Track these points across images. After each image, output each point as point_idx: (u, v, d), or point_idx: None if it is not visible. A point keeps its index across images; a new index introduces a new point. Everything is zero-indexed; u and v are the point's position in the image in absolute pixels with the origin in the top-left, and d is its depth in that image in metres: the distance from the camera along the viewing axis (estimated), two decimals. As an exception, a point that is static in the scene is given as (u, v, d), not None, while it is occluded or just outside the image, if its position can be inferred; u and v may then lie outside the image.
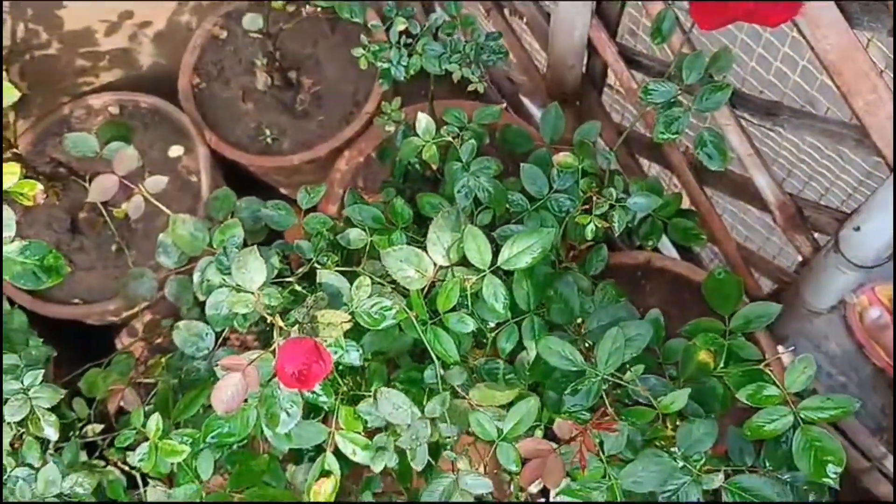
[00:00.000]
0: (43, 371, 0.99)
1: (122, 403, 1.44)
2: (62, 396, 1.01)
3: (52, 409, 1.08)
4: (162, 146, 1.90)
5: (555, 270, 1.16)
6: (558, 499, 0.94)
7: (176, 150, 1.90)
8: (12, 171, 0.86)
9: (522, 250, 0.97)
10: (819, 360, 1.82)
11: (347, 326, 1.02)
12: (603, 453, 0.90)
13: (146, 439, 1.11)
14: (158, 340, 1.85)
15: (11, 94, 0.82)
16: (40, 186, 0.88)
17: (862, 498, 1.78)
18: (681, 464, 0.94)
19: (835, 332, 1.79)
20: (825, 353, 1.88)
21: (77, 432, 1.30)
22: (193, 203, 1.84)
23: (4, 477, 0.98)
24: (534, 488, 1.29)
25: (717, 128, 1.24)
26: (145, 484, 1.42)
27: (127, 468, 1.37)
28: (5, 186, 0.85)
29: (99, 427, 1.40)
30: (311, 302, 1.01)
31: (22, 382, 0.97)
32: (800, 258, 1.51)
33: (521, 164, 1.19)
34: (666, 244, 1.87)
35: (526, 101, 1.90)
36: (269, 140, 1.91)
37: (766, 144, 1.50)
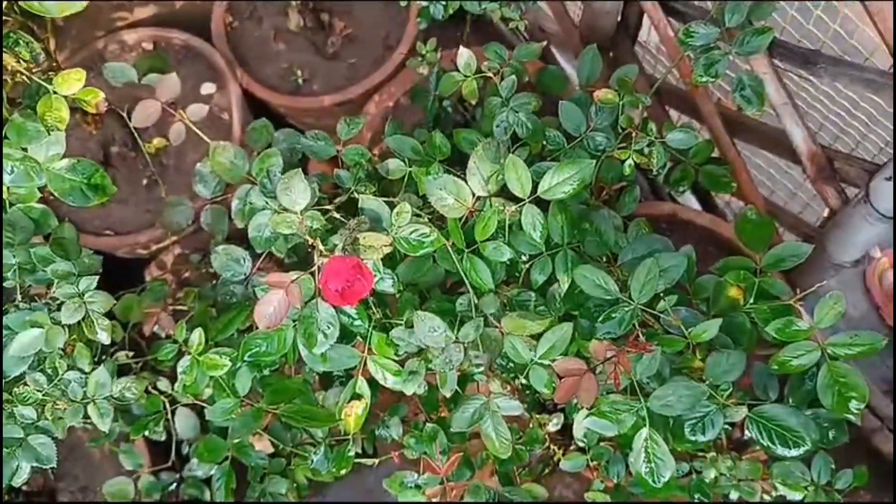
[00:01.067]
0: (97, 278, 1.02)
1: (156, 328, 1.48)
2: (115, 303, 1.04)
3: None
4: (194, 83, 1.91)
5: (588, 207, 1.18)
6: (586, 423, 0.97)
7: (208, 88, 1.92)
8: (78, 77, 0.88)
9: (563, 180, 0.99)
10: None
11: (388, 250, 1.04)
12: (635, 376, 0.93)
13: (181, 356, 1.14)
14: (186, 274, 1.89)
15: (79, 6, 0.83)
16: (102, 95, 0.90)
17: (872, 457, 1.81)
18: (708, 393, 0.97)
19: (852, 295, 1.81)
20: (842, 316, 1.89)
21: (109, 357, 1.34)
22: (225, 140, 1.86)
23: (57, 379, 1.02)
24: (552, 427, 1.33)
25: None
26: (174, 409, 1.47)
27: (157, 393, 1.41)
28: (70, 92, 0.87)
29: (130, 353, 1.44)
30: (354, 224, 1.04)
31: (77, 287, 1.01)
32: (825, 213, 1.53)
33: (560, 101, 1.20)
34: (689, 199, 1.88)
35: (557, 53, 1.90)
36: (299, 81, 1.92)
37: (798, 97, 1.51)
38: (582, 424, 0.99)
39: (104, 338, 1.02)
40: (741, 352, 0.98)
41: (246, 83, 1.89)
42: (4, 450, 0.96)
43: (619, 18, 1.58)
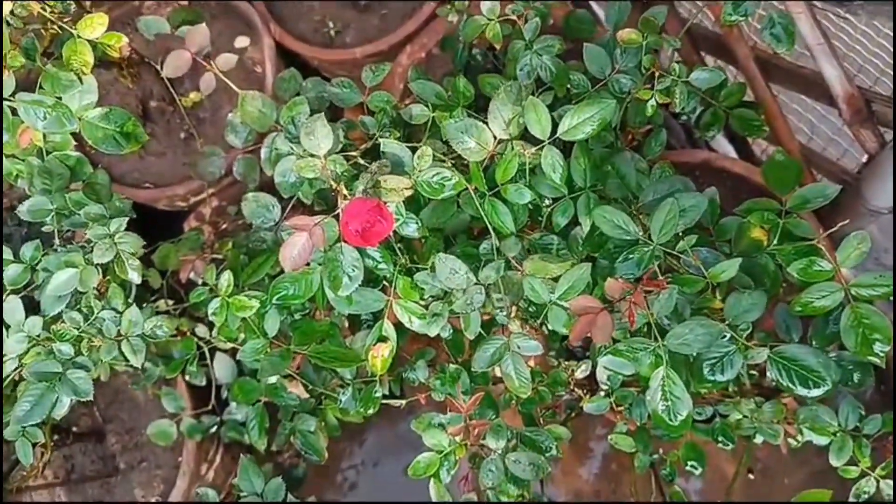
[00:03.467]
0: (127, 219, 1.06)
1: (191, 275, 1.53)
2: (143, 243, 1.08)
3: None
4: (228, 37, 1.94)
5: (611, 150, 1.17)
6: (603, 361, 0.98)
7: (242, 41, 1.94)
8: (101, 20, 0.90)
9: (583, 120, 0.99)
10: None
11: (409, 193, 1.05)
12: (651, 316, 0.93)
13: (217, 297, 1.18)
14: (224, 226, 1.94)
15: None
16: (126, 39, 0.92)
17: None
18: (728, 334, 0.96)
19: (893, 245, 1.77)
20: (884, 265, 1.85)
21: (150, 304, 1.39)
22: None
23: (92, 318, 1.06)
24: (580, 373, 1.34)
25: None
26: (213, 355, 1.53)
27: (194, 338, 1.46)
28: (93, 35, 0.90)
29: (171, 301, 1.49)
30: (375, 168, 1.05)
31: (108, 228, 1.05)
32: (863, 159, 1.49)
33: (585, 44, 1.19)
34: (724, 146, 1.85)
35: (590, -2, 1.87)
36: (332, 33, 1.92)
37: (837, 38, 1.46)
38: (601, 364, 0.99)
39: (135, 277, 1.06)
40: (761, 292, 0.97)
41: (279, 36, 1.91)
42: (44, 384, 1.01)
43: (651, -39, 1.55)
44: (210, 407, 1.62)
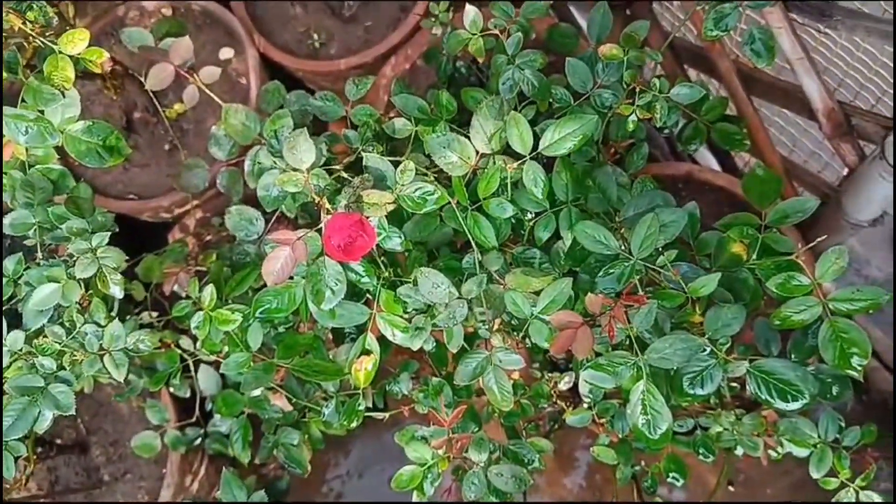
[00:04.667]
0: (109, 234, 1.06)
1: (175, 288, 1.53)
2: (126, 258, 1.08)
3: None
4: (212, 48, 1.94)
5: (593, 165, 1.18)
6: (584, 375, 0.98)
7: (226, 53, 1.94)
8: (82, 36, 0.90)
9: (565, 136, 0.99)
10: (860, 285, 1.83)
11: (391, 207, 1.06)
12: (632, 330, 0.94)
13: (200, 310, 1.18)
14: (208, 237, 1.94)
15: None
16: (107, 55, 0.92)
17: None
18: (707, 348, 0.97)
19: (875, 257, 1.79)
20: (866, 277, 1.87)
21: (134, 317, 1.38)
22: (242, 104, 1.88)
23: (75, 332, 1.06)
24: (563, 385, 1.34)
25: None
26: (197, 367, 1.52)
27: (178, 350, 1.45)
28: (75, 51, 0.90)
29: (154, 314, 1.49)
30: (358, 182, 1.05)
31: (90, 243, 1.04)
32: (844, 171, 1.50)
33: (567, 58, 1.20)
34: (708, 158, 1.87)
35: (573, 9, 1.89)
36: (316, 44, 1.93)
37: (817, 52, 1.48)
38: (582, 378, 1.00)
39: (117, 292, 1.06)
40: (741, 306, 0.98)
41: (263, 48, 1.91)
42: (26, 398, 1.00)
43: (634, -26, 1.56)
44: (194, 419, 1.61)
